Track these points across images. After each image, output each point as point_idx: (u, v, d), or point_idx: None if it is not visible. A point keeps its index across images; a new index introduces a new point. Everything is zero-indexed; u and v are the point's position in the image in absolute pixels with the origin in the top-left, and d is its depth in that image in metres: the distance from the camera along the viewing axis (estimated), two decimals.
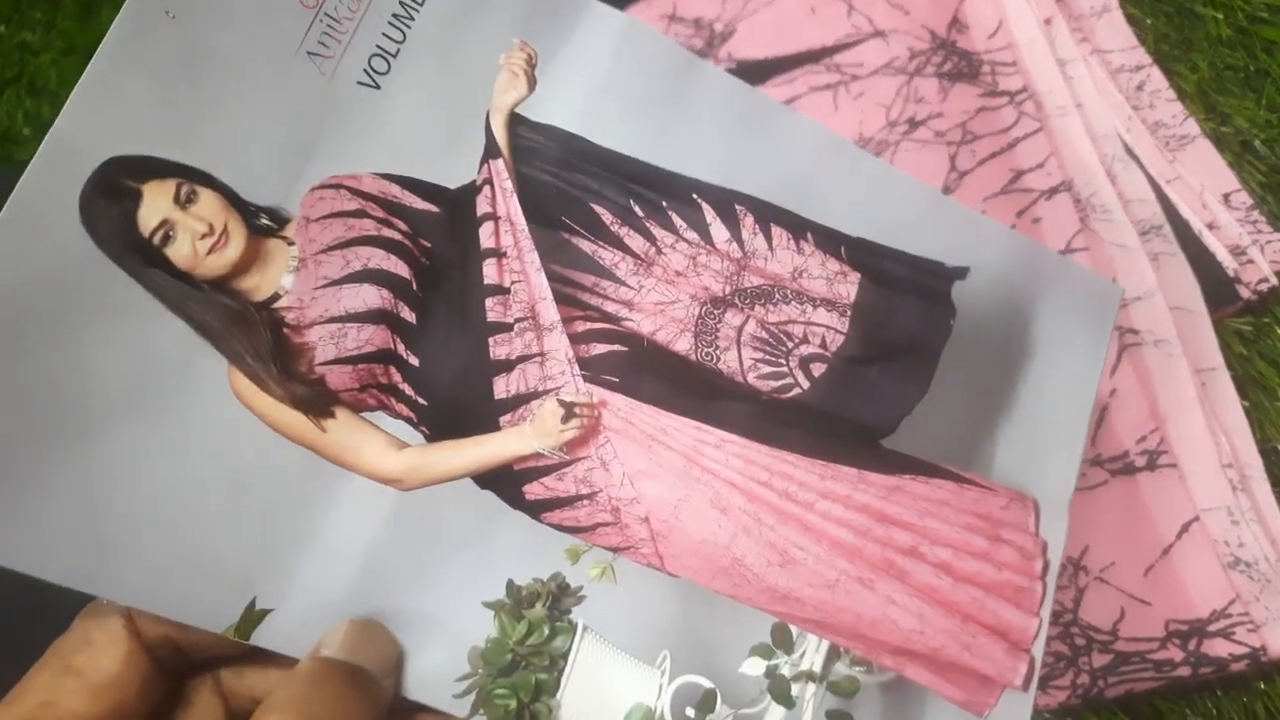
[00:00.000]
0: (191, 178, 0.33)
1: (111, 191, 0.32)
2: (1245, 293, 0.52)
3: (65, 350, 0.31)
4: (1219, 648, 0.45)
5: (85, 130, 0.31)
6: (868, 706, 0.36)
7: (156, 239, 0.33)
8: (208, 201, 0.33)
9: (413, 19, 0.36)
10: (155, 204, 0.32)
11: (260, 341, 0.33)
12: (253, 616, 0.32)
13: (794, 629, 0.36)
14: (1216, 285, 0.52)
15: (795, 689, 0.35)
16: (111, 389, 0.32)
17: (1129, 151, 0.55)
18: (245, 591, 0.32)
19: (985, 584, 0.37)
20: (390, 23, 0.36)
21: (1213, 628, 0.45)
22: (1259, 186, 0.54)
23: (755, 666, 0.36)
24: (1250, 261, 0.52)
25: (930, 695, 0.36)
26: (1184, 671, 0.45)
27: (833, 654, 0.36)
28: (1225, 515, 0.47)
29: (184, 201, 0.33)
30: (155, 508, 0.32)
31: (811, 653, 0.36)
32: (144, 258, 0.32)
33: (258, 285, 0.34)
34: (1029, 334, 0.40)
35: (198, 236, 0.33)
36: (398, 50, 0.36)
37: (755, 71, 0.62)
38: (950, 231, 0.40)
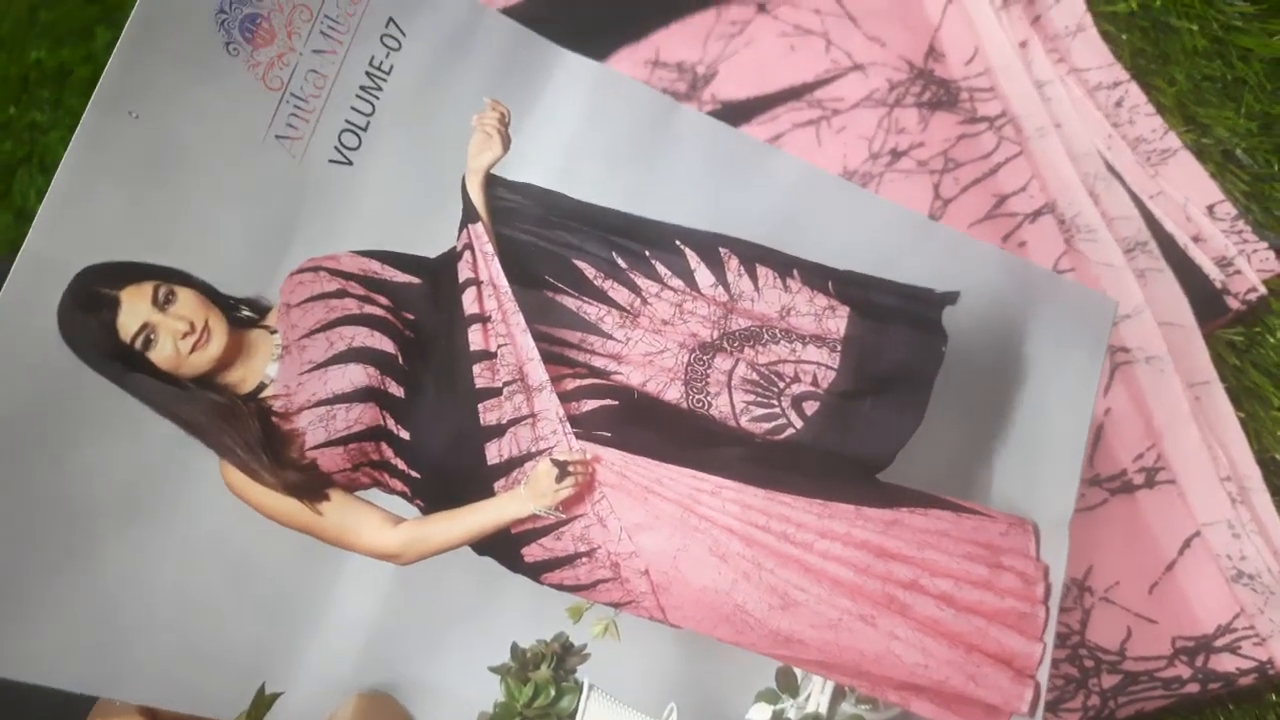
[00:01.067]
0: (168, 278, 0.33)
1: (89, 303, 0.32)
2: (1234, 303, 0.51)
3: (57, 465, 0.32)
4: (1226, 663, 0.44)
5: (56, 244, 0.31)
6: None
7: (138, 343, 0.33)
8: (186, 300, 0.33)
9: (380, 89, 0.36)
10: (134, 309, 0.32)
11: (250, 433, 0.33)
12: (263, 701, 0.33)
13: (798, 672, 0.36)
14: (1205, 298, 0.52)
15: None
16: (107, 497, 0.32)
17: (1110, 169, 0.55)
18: (254, 678, 0.33)
19: (988, 612, 0.37)
20: (358, 95, 0.36)
21: (1219, 643, 0.45)
22: (1242, 196, 0.54)
23: (762, 713, 0.36)
24: (1238, 272, 0.52)
25: None
26: (1193, 688, 0.45)
27: (838, 694, 0.36)
28: (1226, 529, 0.47)
29: (163, 303, 0.33)
30: (160, 607, 0.33)
31: (817, 694, 0.36)
32: (127, 364, 0.32)
33: (243, 377, 0.34)
34: (1023, 354, 0.40)
35: (179, 336, 0.33)
36: (367, 123, 0.36)
37: (739, 111, 0.63)
38: (939, 256, 0.40)
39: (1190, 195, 0.54)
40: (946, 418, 0.38)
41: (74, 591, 0.32)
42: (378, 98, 0.35)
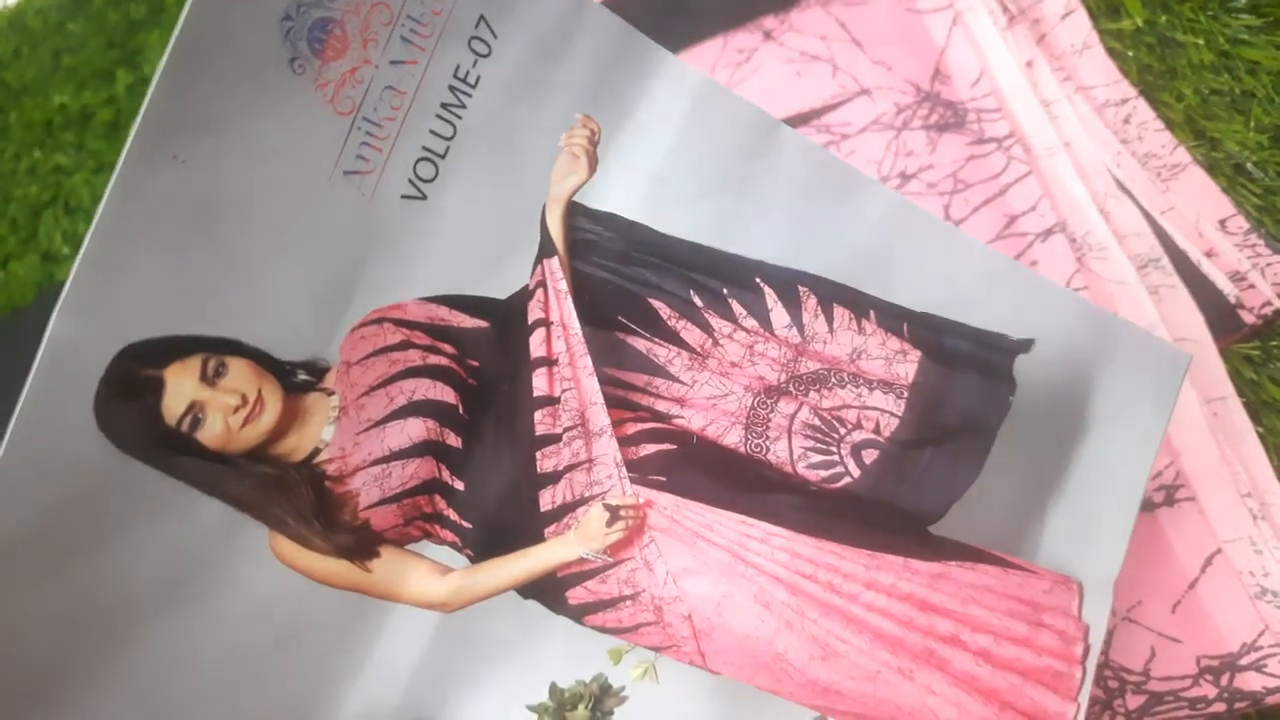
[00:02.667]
0: (219, 350, 0.30)
1: (130, 389, 0.29)
2: (1249, 318, 0.51)
3: (97, 557, 0.29)
4: (1252, 681, 0.44)
5: (89, 324, 0.27)
6: None
7: (185, 425, 0.30)
8: (238, 372, 0.30)
9: (464, 106, 0.31)
10: (180, 388, 0.29)
11: (302, 502, 0.31)
12: None
13: None
14: (1219, 313, 0.51)
15: None
16: (150, 581, 0.30)
17: (1120, 186, 0.54)
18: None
19: (1024, 670, 0.36)
20: (439, 116, 0.31)
21: (1244, 661, 0.44)
22: (1254, 209, 0.54)
23: None
24: (1251, 286, 0.51)
25: None
26: (1219, 708, 0.44)
27: None
28: (1248, 545, 0.46)
29: (212, 377, 0.30)
30: (207, 680, 0.31)
31: None
32: (173, 448, 0.30)
33: (297, 445, 0.32)
34: (1088, 407, 0.38)
35: (230, 412, 0.30)
36: (446, 149, 0.31)
37: None
38: (1015, 298, 0.38)
39: (1202, 210, 0.54)
40: (1003, 469, 0.37)
41: (122, 674, 0.30)
42: (460, 117, 0.31)
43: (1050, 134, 0.56)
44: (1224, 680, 0.45)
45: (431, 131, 0.30)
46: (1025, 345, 0.37)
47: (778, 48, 0.63)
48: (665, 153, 0.34)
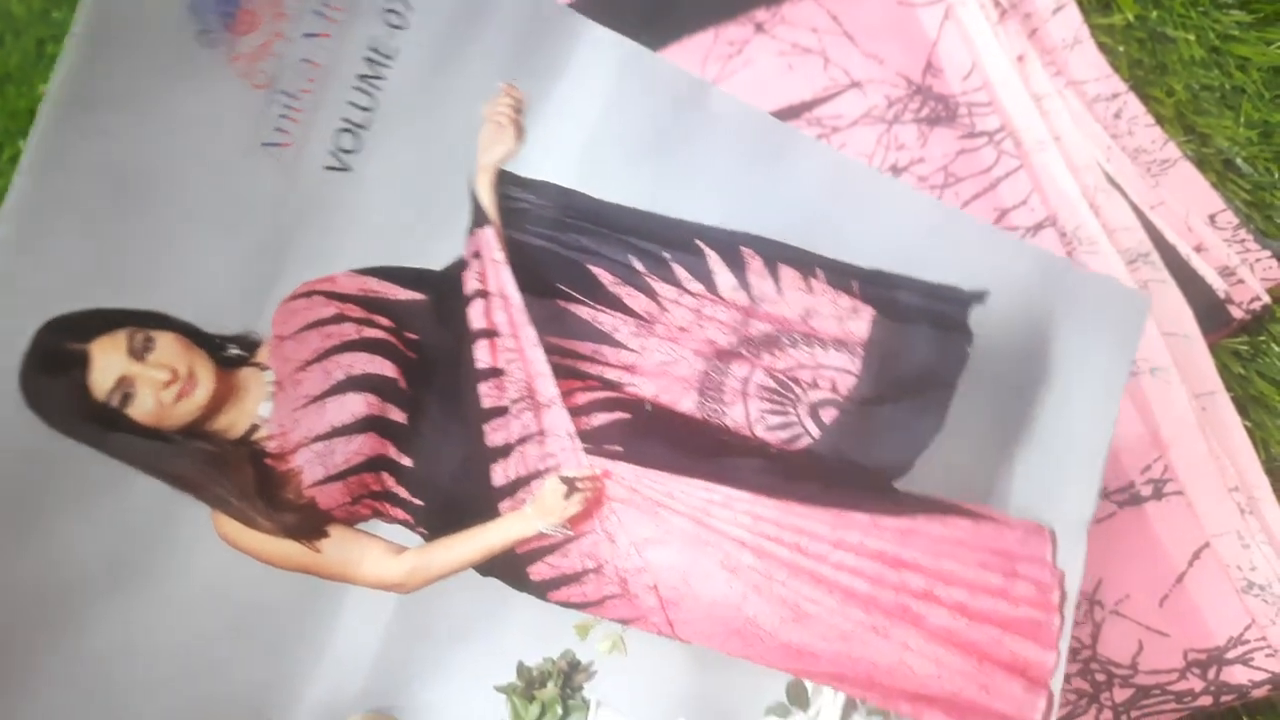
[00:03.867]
0: (144, 323, 0.30)
1: (55, 363, 0.29)
2: (1238, 313, 0.51)
3: (32, 540, 0.29)
4: (1239, 675, 0.44)
5: (9, 298, 0.27)
6: None
7: (115, 400, 0.30)
8: (166, 346, 0.30)
9: (382, 78, 0.32)
10: (107, 363, 0.29)
11: (243, 480, 0.31)
12: None
13: (809, 684, 0.35)
14: (1209, 308, 0.51)
15: None
16: (92, 565, 0.30)
17: (1110, 181, 0.55)
18: (258, 718, 0.32)
19: (1001, 621, 0.36)
20: (357, 88, 0.31)
21: (1231, 655, 0.44)
22: (1244, 205, 0.54)
23: None
24: (1240, 281, 0.51)
25: None
26: (1206, 701, 0.44)
27: (849, 706, 0.35)
28: (1235, 539, 0.46)
29: (140, 352, 0.30)
30: (159, 666, 0.31)
31: (828, 708, 0.35)
32: (103, 424, 0.29)
33: (233, 421, 0.32)
34: (1049, 354, 0.38)
35: (160, 387, 0.30)
36: (368, 120, 0.32)
37: None
38: (968, 250, 0.38)
39: (1191, 205, 0.54)
40: (967, 421, 0.37)
41: (68, 663, 0.30)
42: (379, 88, 0.31)
43: (1041, 128, 0.56)
44: (1211, 674, 0.45)
45: (351, 103, 0.31)
46: (979, 296, 0.37)
47: (769, 40, 0.63)
48: (595, 119, 0.34)
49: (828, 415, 0.36)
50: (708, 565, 0.34)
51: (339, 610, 0.33)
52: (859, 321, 0.36)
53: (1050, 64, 0.59)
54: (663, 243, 0.34)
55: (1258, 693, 0.45)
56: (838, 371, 0.36)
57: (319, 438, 0.31)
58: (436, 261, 0.33)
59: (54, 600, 0.30)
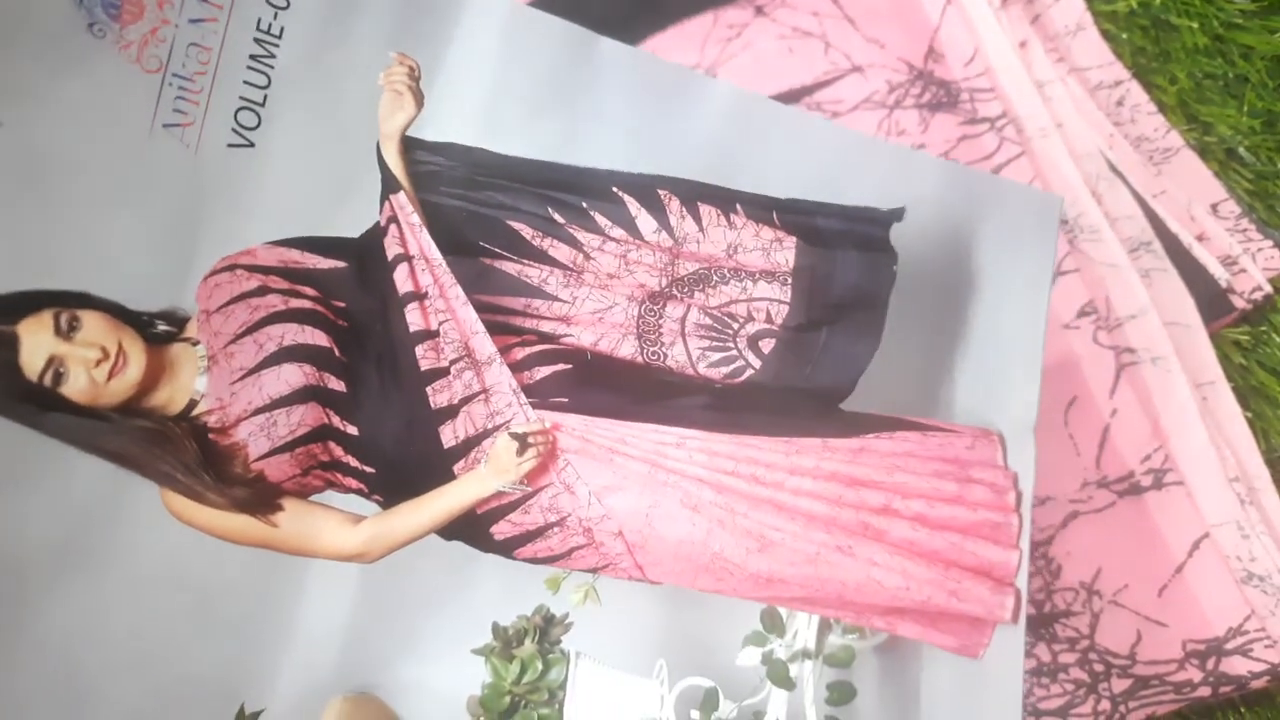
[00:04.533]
0: (68, 303, 0.30)
1: None
2: (1240, 302, 0.51)
3: None
4: (1238, 665, 0.44)
5: None
6: (866, 671, 0.36)
7: (47, 380, 0.30)
8: (93, 324, 0.30)
9: (274, 56, 0.32)
10: (35, 343, 0.29)
11: (187, 455, 0.31)
12: None
13: (783, 611, 0.36)
14: (1210, 297, 0.51)
15: (793, 670, 0.35)
16: (42, 548, 0.30)
17: (1113, 169, 0.54)
18: (232, 700, 0.32)
19: (961, 527, 0.37)
20: (250, 67, 0.32)
21: (1230, 645, 0.44)
22: (1246, 194, 0.54)
23: (751, 656, 0.36)
24: (1242, 271, 0.51)
25: (925, 648, 0.37)
26: (1204, 692, 0.44)
27: (824, 628, 0.36)
28: (1235, 530, 0.46)
29: (67, 331, 0.30)
30: (119, 650, 0.31)
31: (803, 631, 0.36)
32: (38, 404, 0.30)
33: (170, 397, 0.32)
34: (973, 263, 0.40)
35: (91, 365, 0.30)
36: (264, 98, 0.32)
37: None
38: (882, 173, 0.40)
39: (1193, 194, 0.54)
40: (903, 337, 0.38)
41: (22, 651, 0.30)
42: (272, 67, 0.32)
43: (1043, 115, 0.56)
44: (1210, 664, 0.45)
45: (246, 82, 0.32)
46: (897, 214, 0.38)
47: (769, 23, 0.62)
48: (490, 78, 0.34)
49: (766, 346, 0.37)
50: (669, 506, 0.34)
51: (302, 586, 0.33)
52: (784, 251, 0.37)
53: (1053, 50, 0.59)
54: (579, 192, 0.35)
55: (1256, 684, 0.45)
56: (770, 302, 0.37)
57: (259, 410, 0.31)
58: (348, 230, 0.33)
59: (5, 584, 0.29)
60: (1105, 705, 0.45)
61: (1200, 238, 0.54)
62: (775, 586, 0.35)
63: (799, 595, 0.35)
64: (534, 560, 0.34)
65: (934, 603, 0.36)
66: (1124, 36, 0.60)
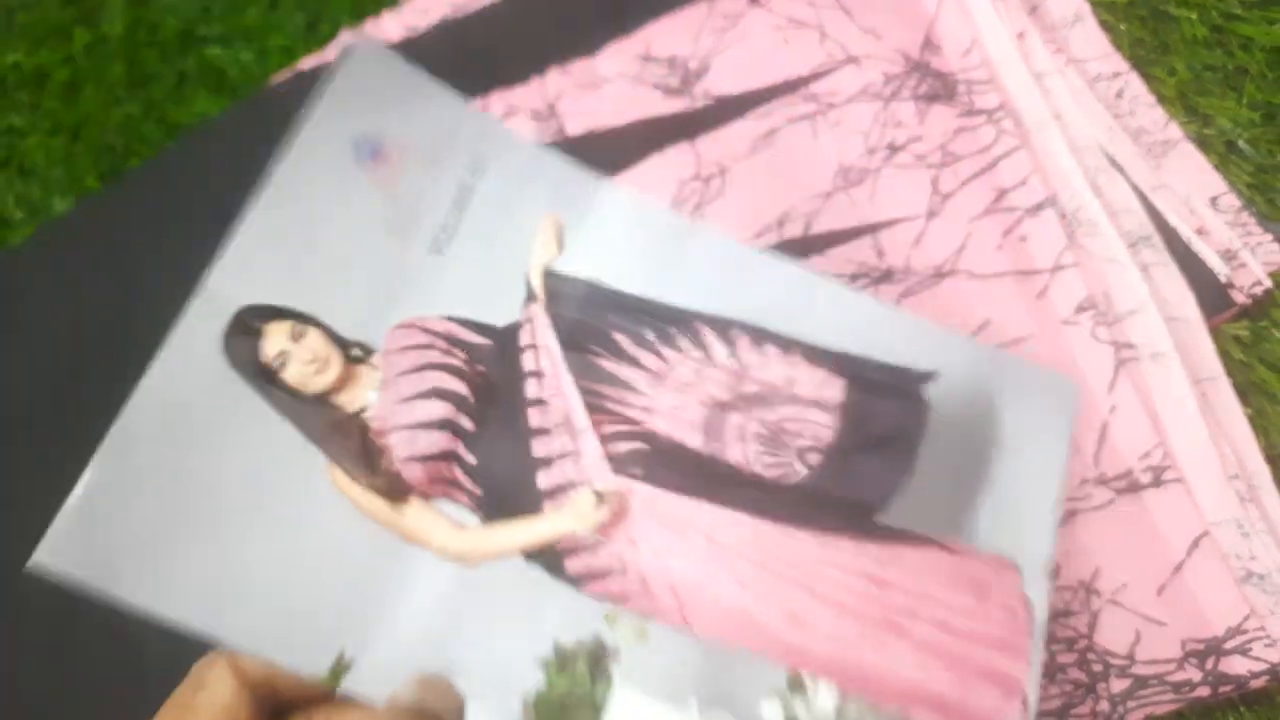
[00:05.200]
0: (302, 320, 0.43)
1: (242, 330, 0.42)
2: (1240, 297, 0.50)
3: (207, 449, 0.40)
4: (1237, 665, 0.43)
5: (228, 287, 0.42)
6: None
7: (275, 364, 0.42)
8: (313, 338, 0.43)
9: (468, 203, 0.46)
10: (274, 340, 0.42)
11: (353, 443, 0.42)
12: (341, 666, 0.38)
13: (806, 676, 0.40)
14: (1210, 292, 0.51)
15: None
16: (240, 481, 0.40)
17: (1112, 161, 0.54)
18: (334, 646, 0.38)
19: (978, 637, 0.41)
20: (450, 207, 0.47)
21: (1229, 645, 0.44)
22: (1246, 187, 0.53)
23: (774, 710, 0.39)
24: (1243, 265, 0.50)
25: None
26: (1203, 692, 0.44)
27: (844, 698, 0.40)
28: (1235, 528, 0.45)
29: (296, 337, 0.43)
30: (268, 571, 0.39)
31: (825, 690, 0.40)
32: (265, 379, 0.42)
33: (350, 400, 0.43)
34: (997, 425, 0.45)
35: (305, 362, 0.42)
36: (457, 226, 0.46)
37: (732, 107, 0.61)
38: (916, 339, 0.47)
39: (1193, 187, 0.53)
40: (933, 472, 0.44)
41: (207, 547, 0.39)
42: (465, 210, 0.46)
43: (1042, 107, 0.55)
44: (1209, 664, 0.44)
45: (446, 214, 0.46)
46: (928, 376, 0.45)
47: (764, 13, 0.61)
48: (613, 241, 0.47)
49: (813, 459, 0.44)
50: (719, 575, 0.41)
51: (411, 570, 0.40)
52: (833, 389, 0.45)
53: (1051, 41, 0.58)
54: (668, 321, 0.46)
55: (1256, 684, 0.44)
56: (819, 426, 0.44)
57: (407, 427, 0.43)
58: (498, 320, 0.46)
59: (209, 496, 0.40)
60: (1104, 706, 0.45)
61: (1200, 231, 0.53)
62: (804, 656, 0.40)
63: (824, 668, 0.40)
64: (598, 596, 0.41)
65: (948, 697, 0.40)
66: (1123, 27, 0.59)
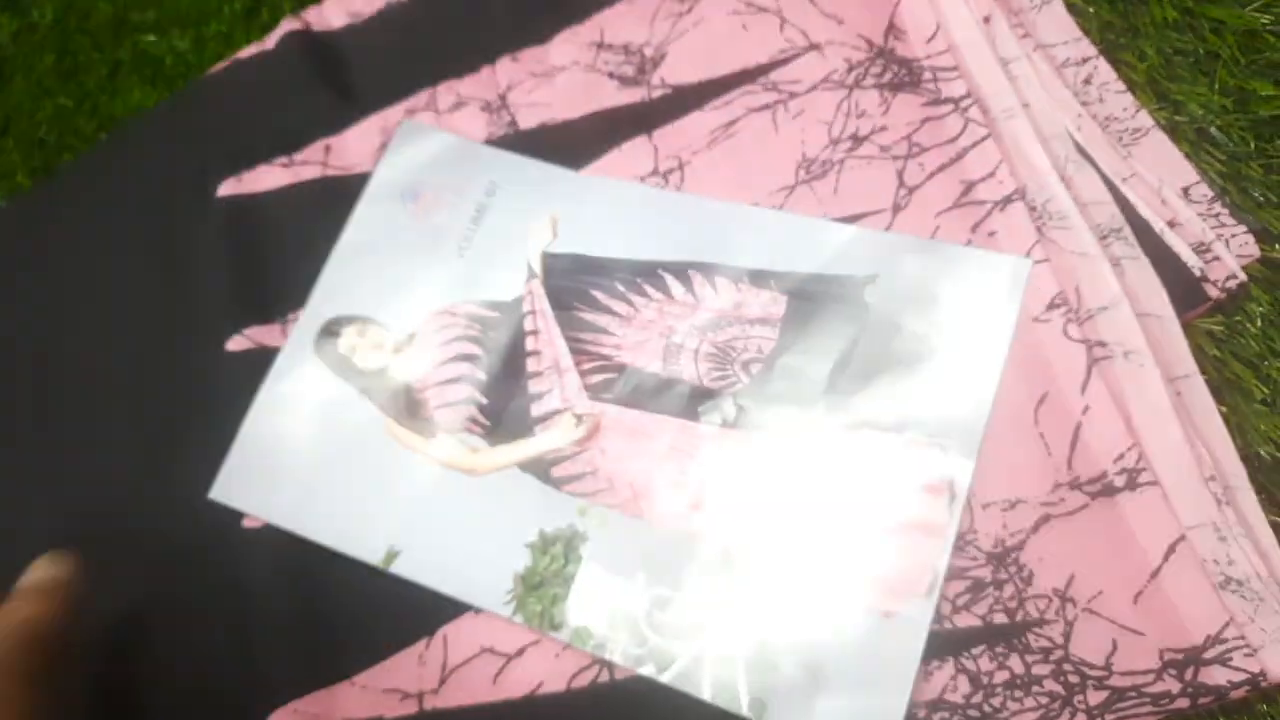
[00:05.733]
0: (367, 322, 0.58)
1: (327, 333, 0.58)
2: (1214, 291, 0.48)
3: (308, 421, 0.57)
4: (1217, 675, 0.42)
5: (321, 305, 0.59)
6: None
7: (347, 353, 0.58)
8: (373, 332, 0.58)
9: (485, 213, 0.59)
10: (347, 339, 0.58)
11: (400, 400, 0.56)
12: (390, 555, 0.53)
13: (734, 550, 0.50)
14: (1183, 286, 0.49)
15: None
16: (327, 440, 0.57)
17: (1081, 151, 0.51)
18: (386, 541, 0.53)
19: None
20: (471, 218, 0.59)
21: (1209, 654, 0.42)
22: (1218, 176, 0.51)
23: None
24: (1216, 258, 0.48)
25: None
26: (1183, 703, 0.42)
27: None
28: (1212, 532, 0.44)
29: (361, 333, 0.58)
30: (345, 494, 0.55)
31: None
32: (344, 364, 0.58)
33: (400, 371, 0.57)
34: (937, 315, 0.50)
35: (368, 350, 0.57)
36: (475, 233, 0.59)
37: (690, 96, 0.58)
38: (857, 247, 0.52)
39: (1164, 177, 0.51)
40: (874, 368, 0.50)
41: (309, 480, 0.56)
42: (481, 222, 0.59)
43: (1009, 95, 0.53)
44: (1188, 674, 0.43)
45: (469, 220, 0.59)
46: (870, 279, 0.51)
47: None
48: (597, 222, 0.57)
49: (755, 369, 0.51)
50: (669, 472, 0.50)
51: (437, 486, 0.54)
52: (776, 306, 0.52)
53: (1018, 25, 0.56)
54: (635, 273, 0.55)
55: (1236, 694, 0.42)
56: (761, 339, 0.52)
57: (439, 383, 0.56)
58: (508, 296, 0.57)
59: (308, 455, 0.57)
60: (1081, 718, 0.43)
61: (1172, 224, 0.51)
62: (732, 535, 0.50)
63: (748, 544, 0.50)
64: (573, 493, 0.51)
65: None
66: (1091, 10, 0.56)
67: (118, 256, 0.65)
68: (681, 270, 0.54)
